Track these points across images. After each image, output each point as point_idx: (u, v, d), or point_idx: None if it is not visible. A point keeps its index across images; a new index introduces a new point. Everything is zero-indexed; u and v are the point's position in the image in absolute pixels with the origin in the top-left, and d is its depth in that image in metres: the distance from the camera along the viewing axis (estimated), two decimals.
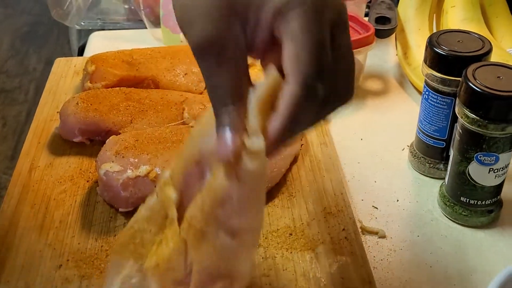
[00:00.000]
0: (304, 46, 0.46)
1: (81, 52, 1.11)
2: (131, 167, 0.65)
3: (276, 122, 0.46)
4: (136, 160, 0.66)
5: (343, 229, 0.65)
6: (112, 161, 0.66)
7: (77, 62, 0.93)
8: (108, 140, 0.70)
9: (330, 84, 0.48)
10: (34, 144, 0.76)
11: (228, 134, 0.46)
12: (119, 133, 0.73)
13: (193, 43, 0.46)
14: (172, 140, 0.69)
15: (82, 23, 1.12)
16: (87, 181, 0.71)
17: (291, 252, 0.62)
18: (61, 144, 0.76)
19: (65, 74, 0.90)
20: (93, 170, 0.72)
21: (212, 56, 0.46)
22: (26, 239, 0.63)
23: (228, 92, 0.47)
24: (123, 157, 0.66)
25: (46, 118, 0.81)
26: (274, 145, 0.47)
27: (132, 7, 1.11)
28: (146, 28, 1.05)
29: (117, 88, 0.80)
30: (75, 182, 0.71)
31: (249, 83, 0.48)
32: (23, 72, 2.67)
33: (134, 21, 1.12)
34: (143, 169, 0.65)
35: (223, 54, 0.46)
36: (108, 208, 0.67)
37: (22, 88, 2.58)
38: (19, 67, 2.71)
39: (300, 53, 0.46)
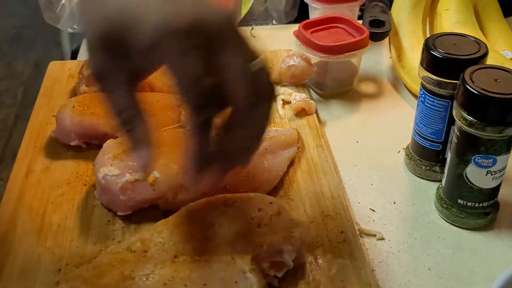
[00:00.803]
0: (178, 81, 0.49)
1: (74, 55, 1.10)
2: (129, 171, 0.65)
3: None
4: (134, 164, 0.65)
5: (342, 232, 0.65)
6: (111, 165, 0.66)
7: (72, 65, 0.93)
8: (105, 143, 0.69)
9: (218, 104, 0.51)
10: (30, 148, 0.76)
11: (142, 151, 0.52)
12: (116, 137, 0.73)
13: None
14: (169, 144, 0.69)
15: (75, 26, 1.11)
16: (84, 185, 0.70)
17: None
18: (58, 148, 0.76)
19: (59, 77, 0.90)
20: (90, 173, 0.72)
21: (100, 85, 0.52)
22: (24, 243, 0.63)
23: (120, 119, 0.53)
24: (121, 160, 0.66)
25: (41, 122, 0.80)
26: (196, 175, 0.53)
27: None
28: None
29: None
30: (72, 186, 0.70)
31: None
32: (11, 75, 2.65)
33: None
34: (141, 173, 0.64)
35: (106, 86, 0.52)
36: (106, 212, 0.67)
37: (9, 92, 2.56)
38: (6, 70, 2.69)
39: (178, 87, 0.49)
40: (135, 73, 0.52)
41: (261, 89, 0.51)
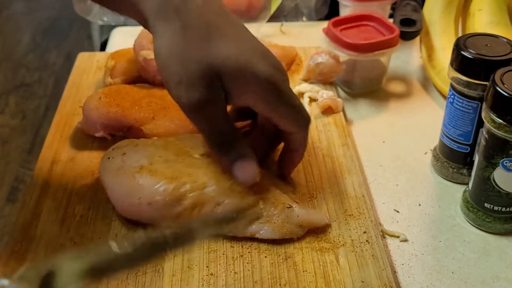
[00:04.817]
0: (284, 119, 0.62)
1: (103, 47, 1.11)
2: None
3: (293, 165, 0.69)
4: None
5: (364, 232, 0.64)
6: (149, 49, 0.74)
7: (100, 57, 0.93)
8: (142, 29, 0.78)
9: None
10: (56, 138, 0.76)
11: (247, 163, 0.61)
12: (141, 130, 0.73)
13: (182, 104, 0.58)
14: None
15: (105, 18, 1.12)
16: None
17: (311, 254, 0.62)
18: (83, 139, 0.76)
19: (88, 68, 0.90)
20: None
21: (199, 114, 0.59)
22: (47, 232, 0.63)
23: (220, 139, 0.61)
24: None
25: (68, 112, 0.81)
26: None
27: None
28: None
29: (139, 84, 0.80)
30: (96, 177, 0.70)
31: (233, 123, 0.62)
32: (43, 66, 2.69)
33: None
34: None
35: (207, 113, 0.59)
36: None
37: (41, 82, 2.59)
38: (39, 61, 2.72)
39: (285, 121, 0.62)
40: (226, 104, 0.60)
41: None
